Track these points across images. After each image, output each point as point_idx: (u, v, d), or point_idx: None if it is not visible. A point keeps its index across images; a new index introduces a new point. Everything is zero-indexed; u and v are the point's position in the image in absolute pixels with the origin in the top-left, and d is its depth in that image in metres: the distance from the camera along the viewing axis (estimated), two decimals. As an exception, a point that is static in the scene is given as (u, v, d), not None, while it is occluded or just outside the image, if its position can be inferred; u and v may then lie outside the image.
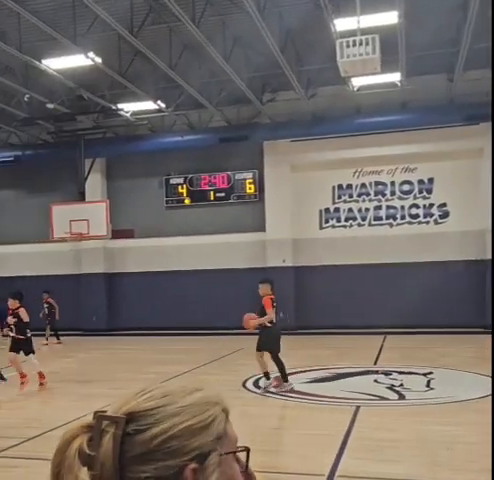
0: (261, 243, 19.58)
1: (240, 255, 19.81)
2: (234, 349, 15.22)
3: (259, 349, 9.66)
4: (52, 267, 21.19)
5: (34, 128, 20.32)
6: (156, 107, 17.20)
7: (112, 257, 21.17)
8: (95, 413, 0.89)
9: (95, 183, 20.53)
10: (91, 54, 13.39)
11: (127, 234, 20.78)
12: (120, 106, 17.43)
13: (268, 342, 9.57)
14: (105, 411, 0.91)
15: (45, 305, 17.94)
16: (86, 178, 19.92)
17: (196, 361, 12.77)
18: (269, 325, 9.61)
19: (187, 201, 20.53)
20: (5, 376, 11.60)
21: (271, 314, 9.44)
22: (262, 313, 9.59)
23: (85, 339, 19.46)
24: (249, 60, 15.57)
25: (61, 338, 18.16)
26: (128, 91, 16.52)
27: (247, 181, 19.98)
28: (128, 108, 17.59)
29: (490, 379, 9.51)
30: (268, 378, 9.71)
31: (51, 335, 18.00)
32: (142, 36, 13.10)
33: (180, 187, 20.56)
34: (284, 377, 9.56)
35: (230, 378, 10.59)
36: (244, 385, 10.31)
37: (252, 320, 9.66)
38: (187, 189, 20.49)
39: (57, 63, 14.08)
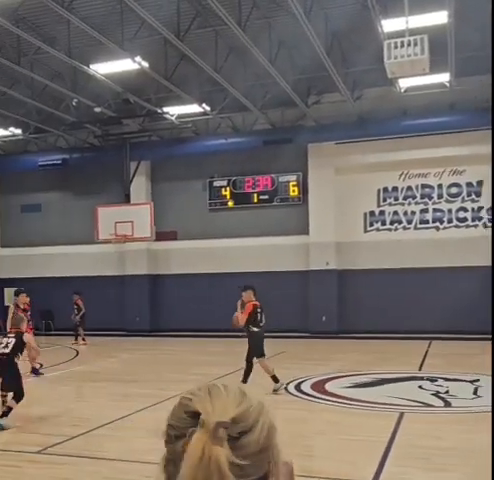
0: (304, 246, 19.48)
1: (283, 258, 19.76)
2: (276, 352, 15.18)
3: (258, 356, 9.91)
4: (97, 268, 21.58)
5: (81, 132, 20.78)
6: (201, 110, 17.35)
7: (155, 259, 21.43)
8: (203, 421, 0.85)
9: (140, 185, 20.84)
10: (138, 58, 13.60)
11: (170, 236, 21.00)
12: (165, 109, 17.65)
13: (259, 346, 9.93)
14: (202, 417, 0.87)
15: (75, 306, 18.16)
16: (131, 181, 20.24)
17: (238, 363, 12.72)
18: (255, 329, 9.93)
19: (230, 204, 20.61)
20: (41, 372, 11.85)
21: (242, 322, 9.85)
22: (249, 318, 9.89)
23: (128, 340, 19.72)
24: (294, 62, 15.54)
25: (96, 338, 18.34)
26: (173, 94, 16.71)
27: (291, 184, 19.93)
28: (173, 111, 17.80)
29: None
30: (277, 381, 9.81)
31: (71, 335, 18.22)
32: (188, 40, 13.23)
33: (224, 190, 20.66)
34: (244, 380, 9.60)
35: (272, 381, 10.53)
36: (286, 388, 10.25)
37: (239, 318, 9.98)
38: (231, 192, 20.57)
39: (105, 68, 14.36)
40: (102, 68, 14.36)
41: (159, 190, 21.33)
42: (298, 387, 10.35)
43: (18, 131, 19.97)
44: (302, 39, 13.02)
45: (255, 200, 20.27)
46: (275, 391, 9.66)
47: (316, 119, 18.40)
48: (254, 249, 20.06)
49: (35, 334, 17.51)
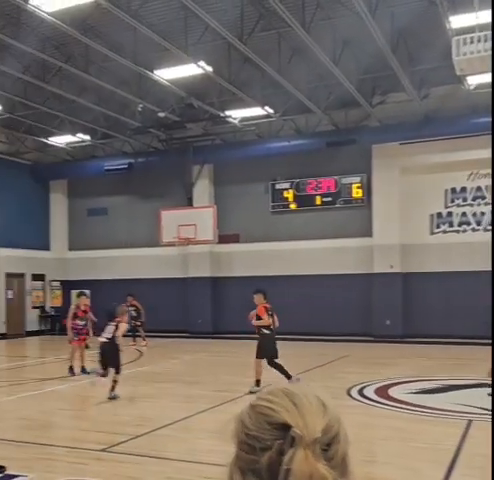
0: (368, 248, 19.17)
1: (346, 261, 19.52)
2: (339, 356, 15.01)
3: (259, 357, 10.18)
4: (161, 270, 21.97)
5: (146, 136, 21.25)
6: (264, 113, 17.39)
7: (218, 261, 21.60)
8: (301, 437, 0.83)
9: (203, 189, 21.09)
10: (202, 63, 13.78)
11: (233, 239, 21.12)
12: (228, 113, 17.80)
13: (267, 348, 10.17)
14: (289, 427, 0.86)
15: (131, 308, 18.43)
16: (194, 184, 20.52)
17: (300, 366, 12.69)
18: (266, 332, 10.28)
19: (293, 206, 20.54)
20: (88, 370, 12.19)
21: (266, 319, 10.22)
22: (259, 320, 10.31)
23: (191, 341, 19.94)
24: (358, 62, 15.33)
25: (159, 340, 18.60)
26: (236, 98, 16.83)
27: (354, 185, 19.66)
28: (236, 115, 17.92)
29: None
30: (258, 385, 9.96)
31: (132, 336, 18.40)
32: (251, 43, 13.29)
33: (286, 192, 20.61)
34: (287, 376, 9.92)
35: (334, 385, 10.42)
36: (348, 393, 10.11)
37: (253, 318, 10.44)
38: (293, 194, 20.50)
39: (169, 73, 14.64)
40: (167, 74, 14.64)
41: (222, 193, 21.51)
42: (361, 392, 10.18)
43: (86, 137, 20.65)
44: (367, 38, 12.84)
45: (318, 202, 20.12)
46: (251, 392, 9.73)
47: (380, 119, 18.08)
48: (316, 252, 19.90)
49: (96, 334, 18.06)
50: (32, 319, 23.15)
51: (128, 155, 22.09)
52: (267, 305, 10.45)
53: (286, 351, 16.77)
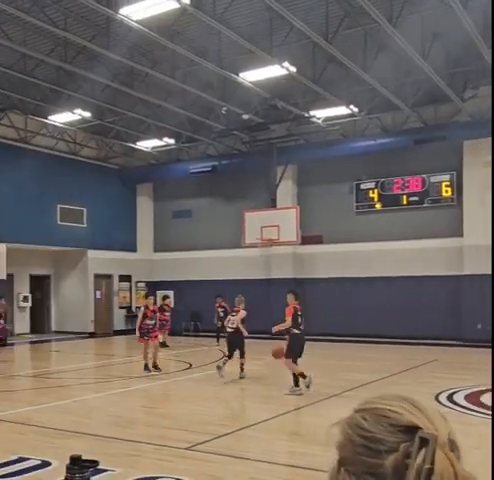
0: (457, 249, 18.40)
1: (433, 262, 18.83)
2: (427, 360, 14.48)
3: (289, 357, 10.28)
4: (243, 272, 22.08)
5: (230, 139, 21.46)
6: (348, 112, 17.10)
7: (301, 262, 21.45)
8: (436, 438, 0.81)
9: (286, 190, 21.02)
10: (286, 64, 13.73)
11: (316, 240, 20.91)
12: (312, 113, 17.64)
13: (296, 349, 10.36)
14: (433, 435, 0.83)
15: (220, 309, 18.56)
16: (278, 185, 20.49)
17: (386, 370, 12.35)
18: (296, 331, 10.47)
19: (378, 206, 20.07)
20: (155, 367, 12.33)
21: (288, 321, 10.48)
22: (292, 321, 10.55)
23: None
24: (449, 56, 14.77)
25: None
26: (321, 97, 16.66)
27: (443, 184, 18.93)
28: (320, 115, 17.73)
29: None
30: (304, 377, 10.17)
31: (216, 337, 18.51)
32: (336, 42, 13.10)
33: (371, 192, 20.18)
34: (295, 382, 10.15)
35: (422, 390, 10.02)
36: (437, 398, 9.69)
37: (275, 327, 10.99)
38: (378, 194, 20.03)
39: (253, 75, 14.69)
40: (251, 76, 14.70)
41: (305, 194, 21.36)
42: (450, 398, 9.73)
43: (171, 141, 21.13)
44: (457, 30, 12.33)
45: (404, 202, 19.54)
46: (308, 387, 10.08)
47: (472, 114, 17.31)
48: (402, 252, 19.33)
49: (184, 335, 18.41)
50: (119, 319, 23.96)
51: (212, 158, 22.40)
52: (297, 306, 10.75)
53: (372, 354, 16.52)
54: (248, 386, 11.37)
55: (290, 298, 10.89)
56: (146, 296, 14.01)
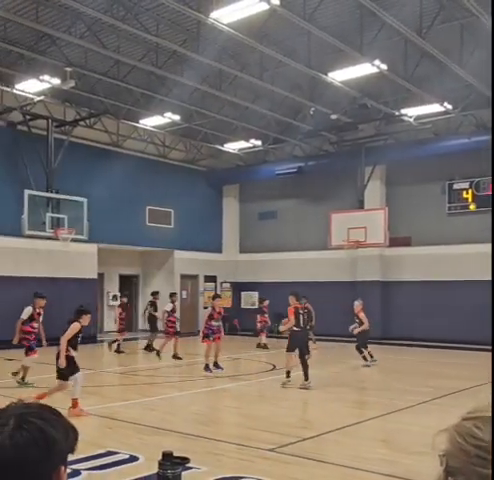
0: None
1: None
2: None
3: (288, 350, 11.33)
4: (328, 274, 21.79)
5: (317, 139, 21.26)
6: (442, 109, 16.48)
7: (388, 265, 20.90)
8: None
9: (374, 190, 20.56)
10: (377, 62, 13.40)
11: (404, 242, 20.32)
12: (403, 111, 17.14)
13: (296, 343, 11.23)
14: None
15: (305, 310, 18.35)
16: (365, 186, 20.08)
17: (476, 378, 11.69)
18: (296, 329, 11.24)
19: (472, 207, 19.22)
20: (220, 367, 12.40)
21: (292, 320, 11.10)
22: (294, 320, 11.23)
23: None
24: None
25: (325, 343, 18.40)
26: (412, 95, 16.16)
27: None
28: (411, 113, 17.22)
29: None
30: (288, 376, 11.07)
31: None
32: (430, 37, 12.64)
33: (465, 192, 19.37)
34: (305, 376, 10.92)
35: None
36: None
37: (282, 327, 11.74)
38: (472, 194, 19.20)
39: (342, 74, 14.46)
40: (340, 75, 14.48)
41: (394, 195, 20.80)
42: None
43: (258, 142, 21.21)
44: None
45: (500, 203, 18.56)
46: (283, 384, 10.89)
47: None
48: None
49: (268, 336, 18.38)
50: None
51: (298, 158, 22.30)
52: (298, 305, 11.55)
53: (458, 360, 15.77)
54: (333, 390, 11.16)
55: (291, 299, 11.41)
56: (214, 297, 13.98)
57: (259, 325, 18.22)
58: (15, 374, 10.96)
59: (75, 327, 8.44)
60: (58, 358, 8.38)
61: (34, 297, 11.49)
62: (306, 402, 10.33)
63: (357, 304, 14.71)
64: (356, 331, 14.45)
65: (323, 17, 12.99)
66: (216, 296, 14.19)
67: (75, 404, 8.29)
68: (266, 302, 18.18)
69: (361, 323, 14.38)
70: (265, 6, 11.18)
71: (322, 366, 14.65)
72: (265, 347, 17.71)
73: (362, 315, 14.55)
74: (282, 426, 7.93)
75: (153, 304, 17.57)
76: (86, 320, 8.59)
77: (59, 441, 1.15)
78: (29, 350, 10.92)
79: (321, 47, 14.07)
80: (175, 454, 2.64)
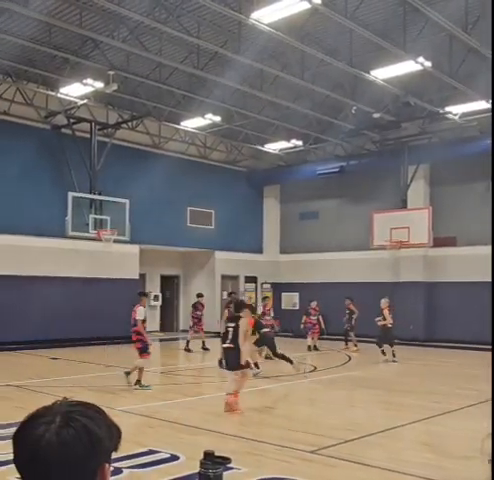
0: None
1: None
2: None
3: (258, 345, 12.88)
4: (370, 274, 21.52)
5: (359, 139, 21.02)
6: (487, 106, 16.06)
7: (432, 266, 20.50)
8: None
9: (417, 190, 20.21)
10: (420, 59, 13.15)
11: (449, 242, 19.90)
12: (448, 109, 16.78)
13: (263, 342, 12.84)
14: None
15: (346, 311, 18.20)
16: (409, 185, 19.76)
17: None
18: (266, 330, 13.00)
19: (520, 207, 18.62)
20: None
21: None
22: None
23: (400, 348, 19.15)
24: None
25: (368, 345, 18.14)
26: (457, 92, 15.81)
27: None
28: (456, 110, 16.85)
29: None
30: (258, 367, 12.11)
31: (344, 340, 18.30)
32: (475, 32, 12.33)
33: (511, 191, 18.78)
34: (290, 361, 12.27)
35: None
36: None
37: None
38: (521, 192, 18.59)
39: (385, 72, 14.25)
40: (382, 73, 14.29)
41: (438, 194, 20.39)
42: None
43: (299, 142, 21.09)
44: None
45: None
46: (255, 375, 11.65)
47: None
48: None
49: (313, 338, 18.23)
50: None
51: (340, 158, 22.10)
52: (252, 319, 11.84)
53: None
54: (375, 391, 11.01)
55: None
56: (264, 299, 14.82)
57: (303, 326, 18.14)
58: (128, 374, 10.56)
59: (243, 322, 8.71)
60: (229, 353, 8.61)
61: (141, 296, 11.38)
62: (347, 404, 10.22)
63: (383, 302, 15.38)
64: (380, 323, 15.27)
65: (365, 15, 12.83)
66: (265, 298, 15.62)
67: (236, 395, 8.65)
68: (313, 303, 18.11)
69: (384, 319, 15.19)
70: (307, 5, 11.10)
71: (364, 367, 14.48)
72: (315, 349, 17.66)
73: (386, 312, 15.20)
74: (323, 428, 7.85)
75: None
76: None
77: (103, 439, 1.17)
78: (143, 351, 10.67)
79: (363, 45, 13.90)
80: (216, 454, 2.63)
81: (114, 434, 1.21)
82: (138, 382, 10.49)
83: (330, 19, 12.37)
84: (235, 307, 9.08)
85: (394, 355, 15.07)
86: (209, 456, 2.67)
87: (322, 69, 15.66)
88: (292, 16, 11.85)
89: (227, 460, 2.76)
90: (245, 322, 8.63)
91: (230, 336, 8.60)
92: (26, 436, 1.14)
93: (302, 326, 18.12)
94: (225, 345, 8.71)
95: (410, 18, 12.70)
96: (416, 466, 6.11)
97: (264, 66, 15.01)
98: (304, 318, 18.21)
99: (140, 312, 10.83)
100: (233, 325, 8.63)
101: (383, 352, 15.09)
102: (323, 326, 18.23)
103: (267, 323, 14.37)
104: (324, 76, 16.16)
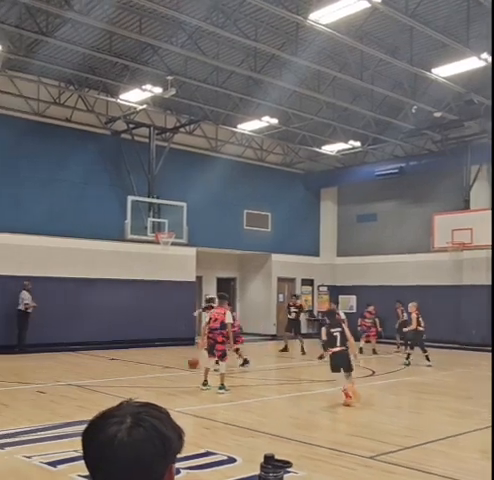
0: None
1: None
2: None
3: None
4: (431, 277, 20.94)
5: (419, 138, 20.54)
6: None
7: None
8: None
9: (481, 190, 19.58)
10: (484, 55, 12.73)
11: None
12: (513, 107, 16.15)
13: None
14: None
15: (404, 314, 17.85)
16: (471, 185, 19.17)
17: None
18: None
19: None
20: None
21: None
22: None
23: (463, 353, 18.64)
24: None
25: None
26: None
27: None
28: (523, 107, 16.18)
29: None
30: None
31: (401, 344, 17.87)
32: None
33: None
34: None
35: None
36: None
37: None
38: None
39: (447, 70, 13.89)
40: (444, 71, 13.94)
41: (502, 194, 19.66)
42: None
43: (357, 143, 20.79)
44: None
45: None
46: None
47: None
48: None
49: (367, 341, 17.97)
50: (301, 322, 24.13)
51: (399, 159, 21.68)
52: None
53: None
54: (435, 397, 10.71)
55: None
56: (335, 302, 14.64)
57: (359, 329, 17.88)
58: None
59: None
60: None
61: (222, 299, 11.31)
62: (406, 409, 9.99)
63: (410, 306, 15.31)
64: (407, 329, 15.36)
65: (426, 12, 12.54)
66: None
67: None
68: (370, 307, 17.86)
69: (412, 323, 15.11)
70: (366, 4, 10.94)
71: (425, 372, 14.11)
72: (374, 352, 17.38)
73: (414, 316, 14.99)
74: (382, 433, 7.68)
75: (299, 307, 18.69)
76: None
77: (172, 440, 1.17)
78: (225, 355, 10.70)
79: (424, 43, 13.59)
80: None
81: (179, 435, 1.21)
82: (222, 386, 10.41)
83: (390, 17, 12.16)
84: (328, 315, 10.80)
85: (428, 359, 14.74)
86: (269, 459, 2.63)
87: (381, 68, 15.39)
88: (350, 16, 11.69)
89: (288, 464, 2.70)
90: (346, 327, 9.96)
91: (339, 340, 9.66)
92: (97, 436, 1.14)
93: (359, 329, 17.89)
94: (336, 349, 9.67)
95: (474, 13, 12.32)
96: (477, 475, 5.91)
97: (322, 67, 14.88)
98: (359, 321, 17.99)
99: (228, 316, 10.69)
100: (339, 330, 9.74)
101: (427, 358, 14.79)
102: (379, 329, 17.95)
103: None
104: (383, 76, 15.88)
